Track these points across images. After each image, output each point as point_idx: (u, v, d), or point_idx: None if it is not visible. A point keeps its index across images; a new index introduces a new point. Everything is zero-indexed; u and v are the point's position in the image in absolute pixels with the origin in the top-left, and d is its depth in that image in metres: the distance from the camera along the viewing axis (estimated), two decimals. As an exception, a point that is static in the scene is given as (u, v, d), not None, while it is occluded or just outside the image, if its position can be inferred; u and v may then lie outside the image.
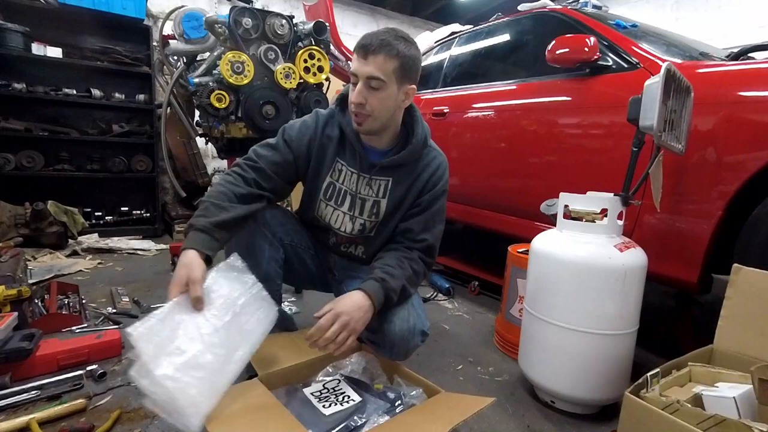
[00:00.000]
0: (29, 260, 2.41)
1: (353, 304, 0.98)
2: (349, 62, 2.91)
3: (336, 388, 0.99)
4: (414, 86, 1.08)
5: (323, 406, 0.92)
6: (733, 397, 0.79)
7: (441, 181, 1.18)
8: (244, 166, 1.09)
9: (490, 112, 2.07)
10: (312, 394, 0.96)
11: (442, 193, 1.19)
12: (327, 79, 2.18)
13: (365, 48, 1.00)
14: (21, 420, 1.01)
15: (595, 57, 1.53)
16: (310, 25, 2.06)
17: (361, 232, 1.20)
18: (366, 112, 1.04)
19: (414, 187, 1.16)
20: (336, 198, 1.18)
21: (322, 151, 1.15)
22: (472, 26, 2.62)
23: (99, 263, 2.53)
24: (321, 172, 1.16)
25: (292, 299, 1.97)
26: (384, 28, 1.05)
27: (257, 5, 2.02)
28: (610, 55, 1.58)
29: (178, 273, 0.87)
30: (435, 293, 2.19)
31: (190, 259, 0.89)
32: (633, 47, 1.55)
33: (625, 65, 1.52)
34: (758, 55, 1.52)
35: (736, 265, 0.97)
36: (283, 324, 1.18)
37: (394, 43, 1.00)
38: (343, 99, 1.16)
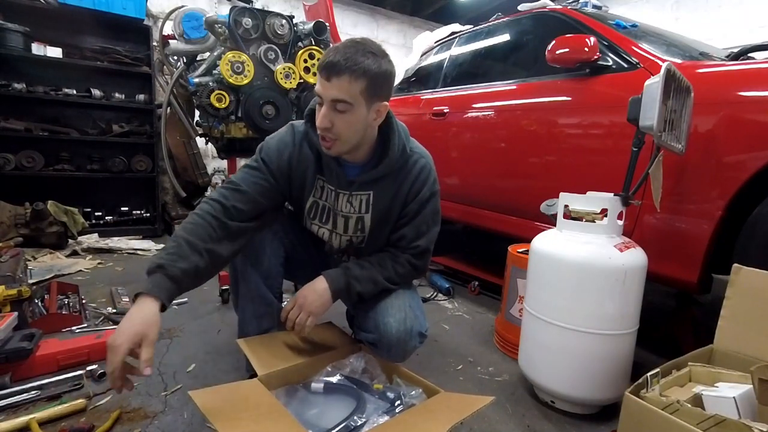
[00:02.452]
0: (29, 260, 2.41)
1: (309, 286, 1.07)
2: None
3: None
4: (386, 103, 1.00)
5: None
6: (733, 397, 0.79)
7: (425, 186, 1.11)
8: (224, 192, 1.01)
9: (490, 112, 2.07)
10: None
11: (431, 197, 1.12)
12: (327, 79, 2.19)
13: (328, 68, 0.89)
14: (21, 420, 1.01)
15: (595, 57, 1.53)
16: (310, 25, 2.06)
17: (349, 246, 1.19)
18: (333, 136, 0.96)
19: (397, 197, 1.11)
20: (320, 216, 1.15)
21: (303, 168, 1.08)
22: (472, 26, 2.62)
23: (99, 263, 2.53)
24: (304, 192, 1.12)
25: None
26: (350, 41, 0.93)
27: (257, 5, 2.02)
28: (610, 55, 1.58)
29: (132, 328, 0.77)
30: (435, 293, 2.19)
31: (148, 313, 0.82)
32: (633, 47, 1.55)
33: (625, 65, 1.52)
34: (758, 55, 1.52)
35: (736, 265, 0.97)
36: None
37: (360, 61, 0.89)
38: (311, 115, 1.06)
